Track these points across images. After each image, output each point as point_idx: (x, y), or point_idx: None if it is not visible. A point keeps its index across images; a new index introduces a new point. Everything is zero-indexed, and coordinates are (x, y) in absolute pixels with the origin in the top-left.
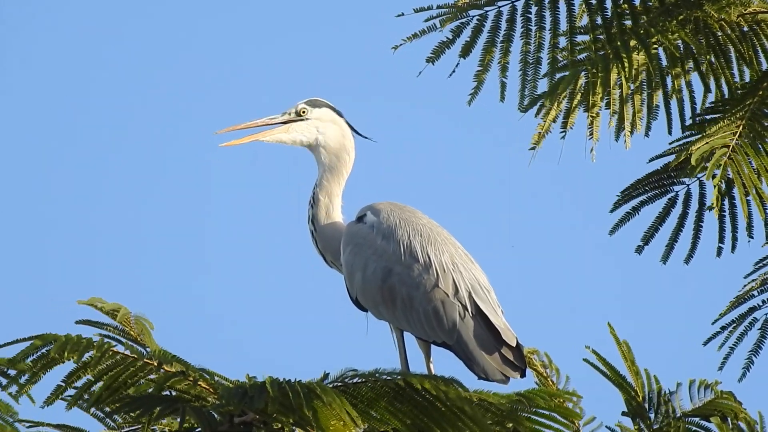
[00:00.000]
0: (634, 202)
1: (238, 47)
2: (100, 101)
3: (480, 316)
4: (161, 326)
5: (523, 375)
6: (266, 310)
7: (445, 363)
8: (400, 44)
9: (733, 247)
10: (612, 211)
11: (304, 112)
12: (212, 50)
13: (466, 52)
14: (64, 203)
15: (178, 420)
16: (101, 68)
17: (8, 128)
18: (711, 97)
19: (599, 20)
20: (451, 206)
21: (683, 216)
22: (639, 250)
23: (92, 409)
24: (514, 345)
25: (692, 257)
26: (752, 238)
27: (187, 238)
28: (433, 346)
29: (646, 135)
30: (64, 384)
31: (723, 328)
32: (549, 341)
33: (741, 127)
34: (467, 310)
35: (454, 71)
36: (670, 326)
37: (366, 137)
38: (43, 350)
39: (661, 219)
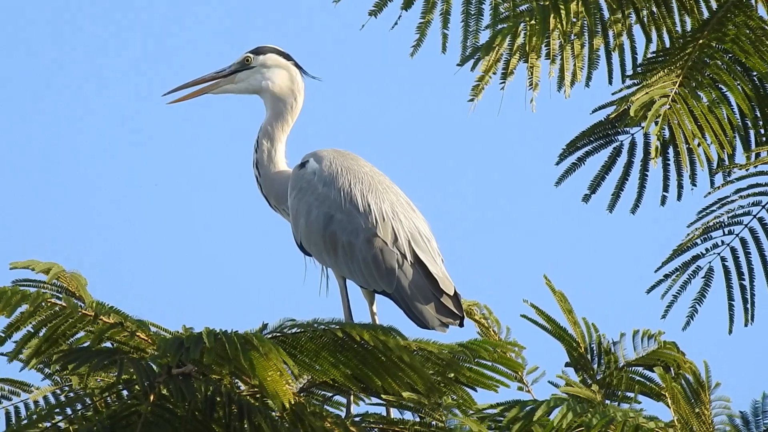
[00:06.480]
0: (579, 153)
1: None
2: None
3: (419, 264)
4: (100, 282)
5: (461, 324)
6: (215, 261)
7: (390, 312)
8: None
9: (679, 195)
10: (558, 163)
11: (248, 60)
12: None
13: (408, 4)
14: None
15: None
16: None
17: None
18: (653, 48)
19: None
20: (395, 154)
21: (628, 165)
22: (586, 198)
23: (40, 366)
24: (452, 294)
25: (638, 206)
26: (695, 186)
27: (132, 195)
28: (376, 294)
29: (587, 85)
30: (3, 335)
31: (666, 276)
32: (492, 293)
33: (681, 76)
34: (406, 259)
35: (396, 23)
36: (617, 276)
37: (315, 77)
38: None
39: (607, 168)
